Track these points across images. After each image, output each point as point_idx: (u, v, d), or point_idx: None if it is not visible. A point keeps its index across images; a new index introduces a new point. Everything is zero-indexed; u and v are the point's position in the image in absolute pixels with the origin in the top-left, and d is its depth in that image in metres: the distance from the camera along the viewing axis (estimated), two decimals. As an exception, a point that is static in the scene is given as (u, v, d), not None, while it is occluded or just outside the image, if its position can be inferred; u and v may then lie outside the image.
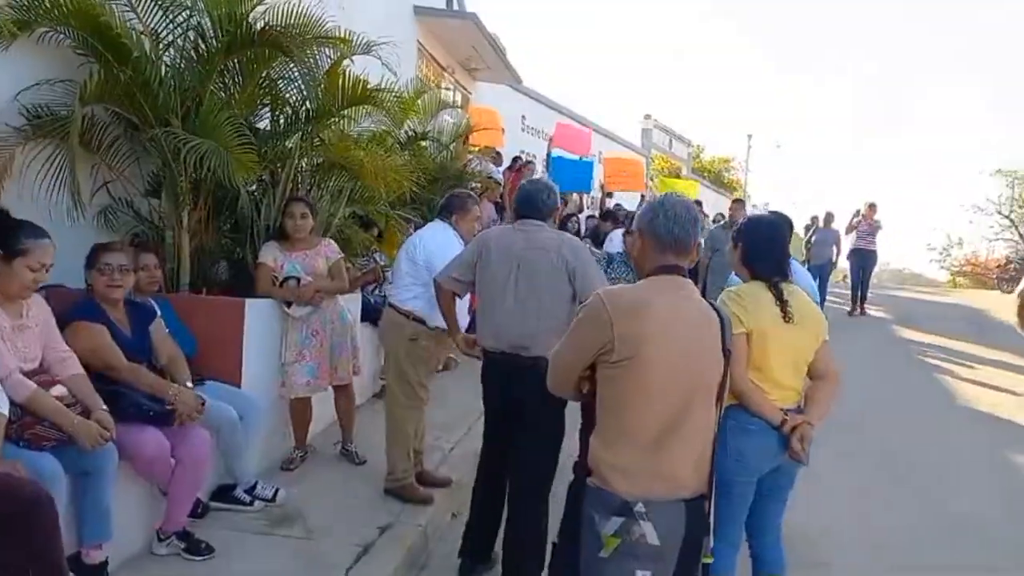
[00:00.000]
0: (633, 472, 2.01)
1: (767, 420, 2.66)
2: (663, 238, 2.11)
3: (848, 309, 12.70)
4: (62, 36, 3.93)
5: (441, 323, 3.88)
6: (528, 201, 3.39)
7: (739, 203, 10.72)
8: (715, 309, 2.13)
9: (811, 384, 2.84)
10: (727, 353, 2.10)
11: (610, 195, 15.27)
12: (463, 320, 3.95)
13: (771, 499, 2.86)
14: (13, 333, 2.89)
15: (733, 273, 3.13)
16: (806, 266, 12.06)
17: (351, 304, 5.46)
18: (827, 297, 12.56)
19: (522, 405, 3.28)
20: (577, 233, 9.96)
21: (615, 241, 8.08)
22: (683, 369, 2.02)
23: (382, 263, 6.37)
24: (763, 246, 2.84)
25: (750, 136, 35.93)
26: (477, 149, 10.18)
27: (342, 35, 4.86)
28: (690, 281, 2.15)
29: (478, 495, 3.59)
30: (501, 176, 11.22)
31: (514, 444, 3.38)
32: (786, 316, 2.67)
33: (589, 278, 3.21)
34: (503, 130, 11.99)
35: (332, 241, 4.71)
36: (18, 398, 2.75)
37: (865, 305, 12.74)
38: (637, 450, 2.02)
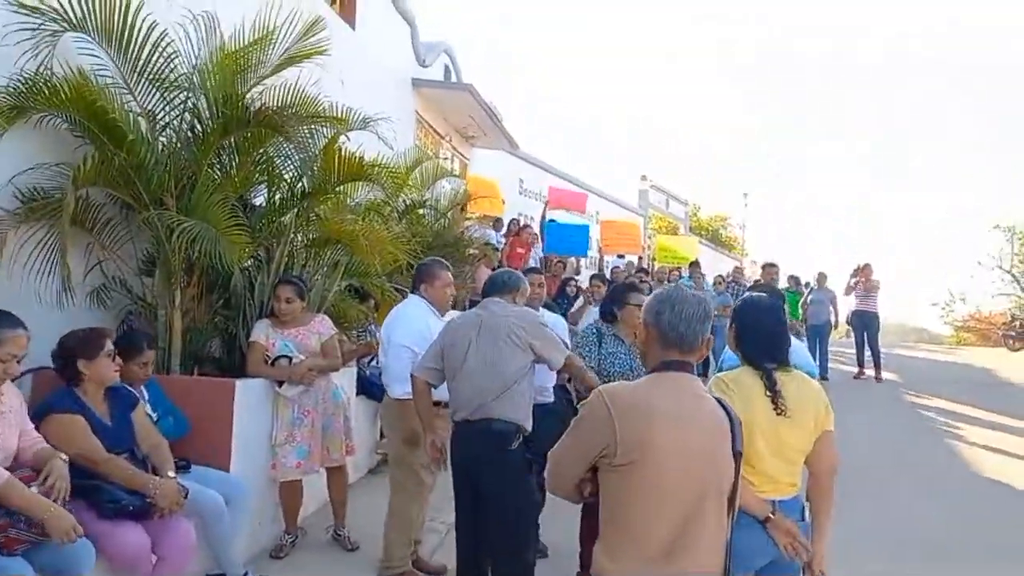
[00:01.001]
0: None
1: (752, 514, 2.49)
2: (668, 335, 2.03)
3: (855, 372, 12.34)
4: (59, 120, 3.97)
5: (403, 394, 3.88)
6: (492, 283, 3.73)
7: (772, 267, 10.06)
8: (724, 408, 2.02)
9: (809, 487, 2.64)
10: (738, 455, 1.99)
11: (622, 256, 15.25)
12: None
13: None
14: None
15: (728, 350, 3.00)
16: (804, 327, 12.02)
17: (345, 379, 5.39)
18: (829, 360, 12.36)
19: (484, 469, 3.34)
20: (575, 295, 9.90)
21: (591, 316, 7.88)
22: (692, 474, 1.91)
23: (377, 335, 6.31)
24: (752, 332, 2.66)
25: (746, 195, 36.35)
26: (476, 217, 10.24)
27: (342, 109, 4.93)
28: (698, 379, 2.07)
29: None
30: (499, 241, 11.27)
31: (484, 517, 3.38)
32: (778, 408, 2.47)
33: (548, 344, 3.47)
34: (503, 201, 12.11)
35: (326, 317, 4.66)
36: None
37: (880, 371, 12.15)
38: (645, 562, 1.89)
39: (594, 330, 4.24)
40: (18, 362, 2.85)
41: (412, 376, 3.61)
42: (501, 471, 3.32)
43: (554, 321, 4.85)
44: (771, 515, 2.49)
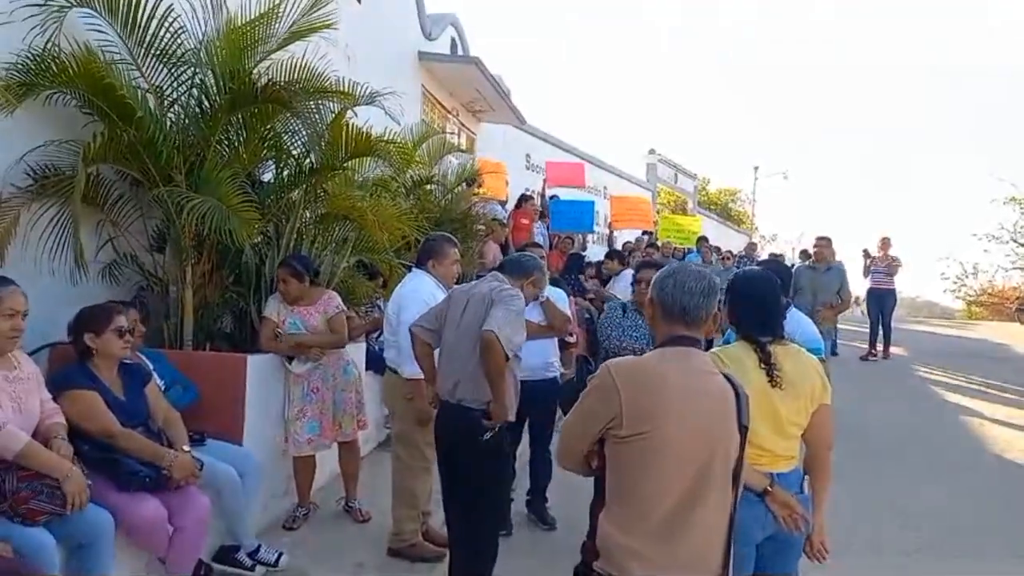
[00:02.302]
0: (647, 556, 1.90)
1: (751, 487, 2.45)
2: (671, 308, 2.05)
3: (865, 351, 11.90)
4: (68, 97, 3.97)
5: (414, 373, 3.86)
6: (508, 261, 3.67)
7: (825, 241, 8.90)
8: (730, 382, 2.03)
9: (807, 461, 2.64)
10: (743, 429, 2.00)
11: (648, 233, 15.17)
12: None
13: (774, 569, 2.63)
14: (8, 385, 2.86)
15: (730, 328, 2.96)
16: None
17: (355, 354, 5.43)
18: (839, 337, 12.17)
19: (457, 450, 3.35)
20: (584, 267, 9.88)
21: (622, 284, 7.94)
22: (698, 446, 1.92)
23: (385, 310, 6.34)
24: (743, 304, 2.64)
25: (756, 168, 36.03)
26: (479, 193, 10.20)
27: (348, 85, 4.89)
28: (704, 354, 2.07)
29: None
30: (505, 214, 11.23)
31: (453, 497, 3.42)
32: (773, 381, 2.46)
33: (496, 315, 3.19)
34: (507, 182, 12.06)
35: (335, 295, 4.66)
36: (13, 448, 2.71)
37: (889, 349, 11.69)
38: (650, 532, 1.92)
39: (619, 304, 4.27)
40: (23, 317, 2.90)
41: (410, 331, 3.57)
42: (471, 453, 3.31)
43: (557, 295, 4.88)
44: (769, 488, 2.49)
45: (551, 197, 13.10)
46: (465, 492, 3.35)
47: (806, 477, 2.64)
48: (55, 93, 3.89)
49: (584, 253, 11.67)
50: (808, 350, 3.50)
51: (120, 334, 3.32)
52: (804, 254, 12.97)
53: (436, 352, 3.56)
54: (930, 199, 75.75)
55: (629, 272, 8.10)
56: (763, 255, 17.82)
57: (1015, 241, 24.86)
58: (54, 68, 3.75)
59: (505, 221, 10.76)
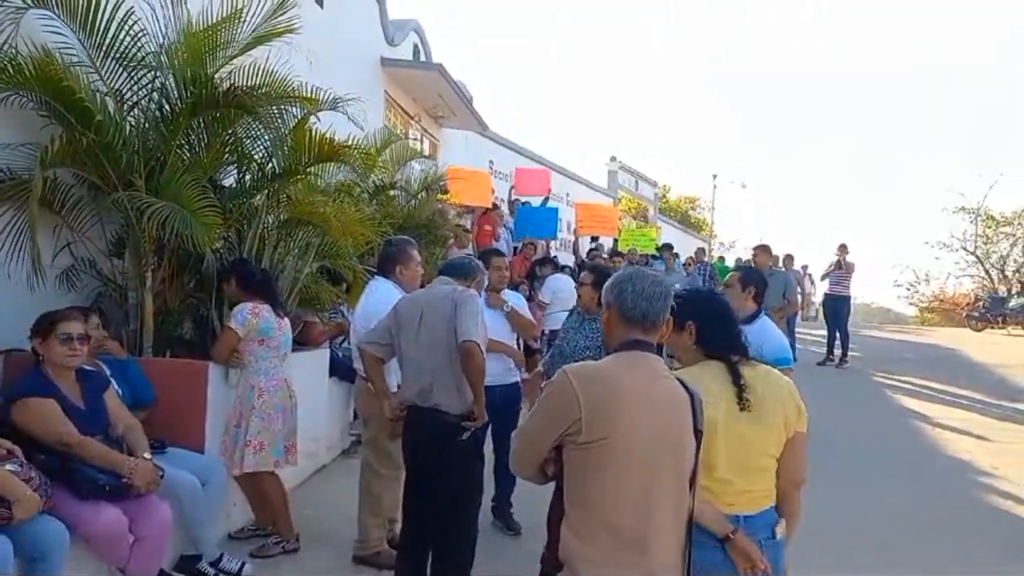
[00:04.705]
0: (608, 564, 1.90)
1: (709, 531, 2.22)
2: (630, 313, 2.03)
3: (822, 358, 12.16)
4: (24, 99, 3.90)
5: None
6: (448, 265, 3.78)
7: (763, 249, 8.54)
8: (685, 387, 2.04)
9: (777, 500, 2.39)
10: (699, 434, 1.98)
11: (596, 239, 15.29)
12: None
13: None
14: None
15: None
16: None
17: (318, 360, 5.42)
18: (797, 342, 12.40)
19: (430, 455, 3.36)
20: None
21: (548, 288, 7.94)
22: (656, 452, 1.91)
23: (349, 316, 6.31)
24: (711, 321, 2.41)
25: (715, 176, 36.52)
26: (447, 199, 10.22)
27: (310, 91, 4.89)
28: (659, 357, 2.07)
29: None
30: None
31: (429, 498, 3.41)
32: (742, 402, 2.25)
33: (463, 319, 3.32)
34: (493, 190, 12.13)
35: (243, 306, 4.09)
36: None
37: (847, 356, 11.89)
38: (611, 540, 1.91)
39: (576, 310, 4.34)
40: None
41: (361, 349, 3.62)
42: (446, 458, 3.32)
43: (515, 299, 4.94)
44: (731, 535, 2.25)
45: (521, 204, 13.20)
46: (444, 498, 3.34)
47: (781, 521, 2.39)
48: (11, 95, 3.82)
49: (554, 259, 11.72)
50: (777, 359, 3.52)
51: (66, 340, 3.20)
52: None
53: (390, 363, 3.63)
54: (913, 201, 77.44)
55: (553, 277, 8.23)
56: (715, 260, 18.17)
57: (964, 249, 25.81)
58: (10, 70, 3.69)
59: (469, 227, 10.81)
